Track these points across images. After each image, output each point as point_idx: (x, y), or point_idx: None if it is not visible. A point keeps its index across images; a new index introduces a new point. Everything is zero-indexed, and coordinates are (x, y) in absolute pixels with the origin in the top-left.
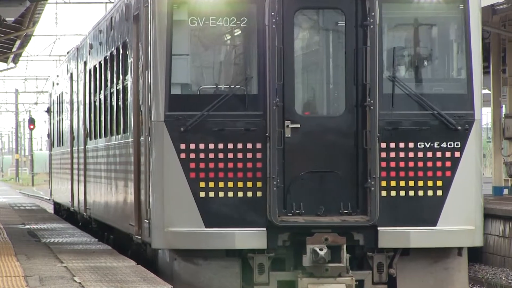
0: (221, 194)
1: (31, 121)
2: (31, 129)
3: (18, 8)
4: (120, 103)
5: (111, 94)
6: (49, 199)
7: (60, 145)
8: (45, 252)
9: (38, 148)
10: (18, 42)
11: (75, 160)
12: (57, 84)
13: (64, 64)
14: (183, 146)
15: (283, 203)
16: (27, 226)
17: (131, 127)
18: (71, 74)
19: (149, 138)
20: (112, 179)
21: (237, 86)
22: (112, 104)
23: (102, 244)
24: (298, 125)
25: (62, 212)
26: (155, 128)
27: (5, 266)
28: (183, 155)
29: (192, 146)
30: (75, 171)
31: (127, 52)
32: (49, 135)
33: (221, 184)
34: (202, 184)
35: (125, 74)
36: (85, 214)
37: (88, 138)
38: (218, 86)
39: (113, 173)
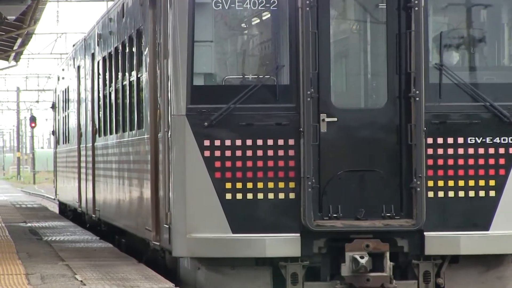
0: (249, 196)
1: (33, 119)
2: (32, 127)
3: (19, 6)
4: (134, 96)
5: (123, 87)
6: (54, 199)
7: (66, 142)
8: (46, 250)
9: (40, 146)
10: (19, 40)
11: (82, 159)
12: (63, 78)
13: (70, 57)
14: (207, 142)
15: (319, 206)
16: (29, 224)
17: (147, 123)
18: (78, 67)
19: (169, 134)
20: (125, 179)
21: (266, 76)
22: (125, 98)
23: (104, 242)
24: (335, 119)
25: (68, 213)
26: (175, 122)
27: (7, 264)
28: (207, 153)
29: (217, 142)
30: (83, 170)
31: (142, 41)
32: (54, 132)
33: (249, 185)
34: (228, 185)
35: (139, 64)
36: (93, 216)
37: (97, 135)
38: (245, 76)
39: (126, 172)
